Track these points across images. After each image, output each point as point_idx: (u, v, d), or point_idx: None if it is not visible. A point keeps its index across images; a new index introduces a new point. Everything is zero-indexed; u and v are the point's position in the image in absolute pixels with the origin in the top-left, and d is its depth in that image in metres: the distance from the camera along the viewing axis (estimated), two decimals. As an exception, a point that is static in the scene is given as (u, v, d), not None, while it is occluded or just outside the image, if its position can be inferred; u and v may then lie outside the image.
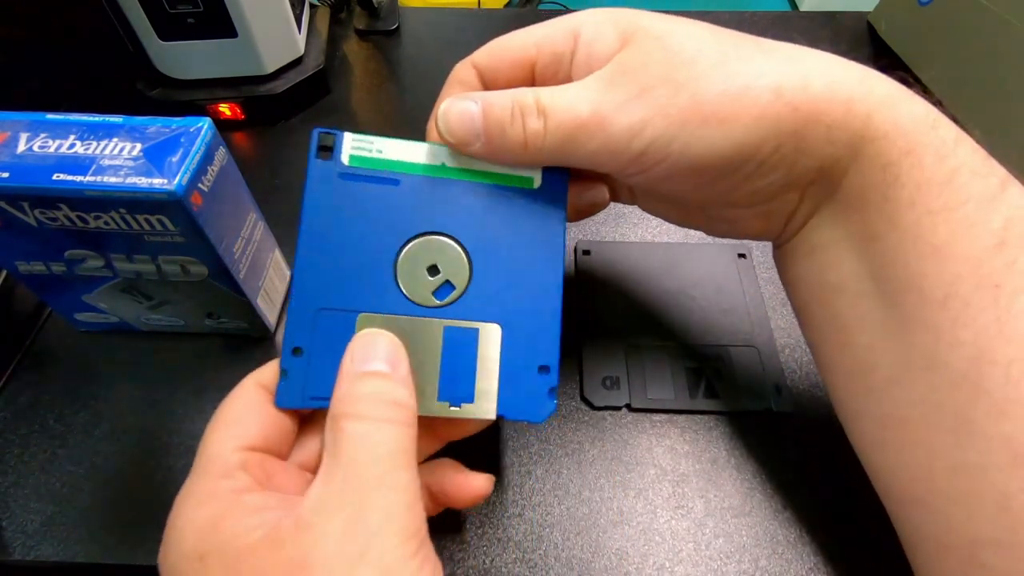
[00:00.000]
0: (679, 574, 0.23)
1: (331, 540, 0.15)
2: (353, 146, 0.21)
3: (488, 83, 0.22)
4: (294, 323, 0.20)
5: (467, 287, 0.21)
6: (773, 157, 0.18)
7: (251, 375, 0.20)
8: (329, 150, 0.21)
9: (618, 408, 0.27)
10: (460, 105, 0.20)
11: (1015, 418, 0.15)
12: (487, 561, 0.23)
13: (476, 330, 0.20)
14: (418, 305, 0.21)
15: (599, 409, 0.27)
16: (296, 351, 0.20)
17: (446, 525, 0.24)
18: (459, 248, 0.21)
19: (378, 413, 0.17)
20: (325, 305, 0.20)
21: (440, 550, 0.23)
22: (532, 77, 0.22)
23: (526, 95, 0.19)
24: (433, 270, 0.21)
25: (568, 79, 0.20)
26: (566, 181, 0.22)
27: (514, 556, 0.23)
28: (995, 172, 0.17)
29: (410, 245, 0.21)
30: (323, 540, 0.15)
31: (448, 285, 0.21)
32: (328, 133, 0.21)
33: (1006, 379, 0.15)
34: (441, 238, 0.21)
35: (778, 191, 0.20)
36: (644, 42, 0.19)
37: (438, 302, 0.21)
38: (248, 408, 0.19)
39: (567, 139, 0.19)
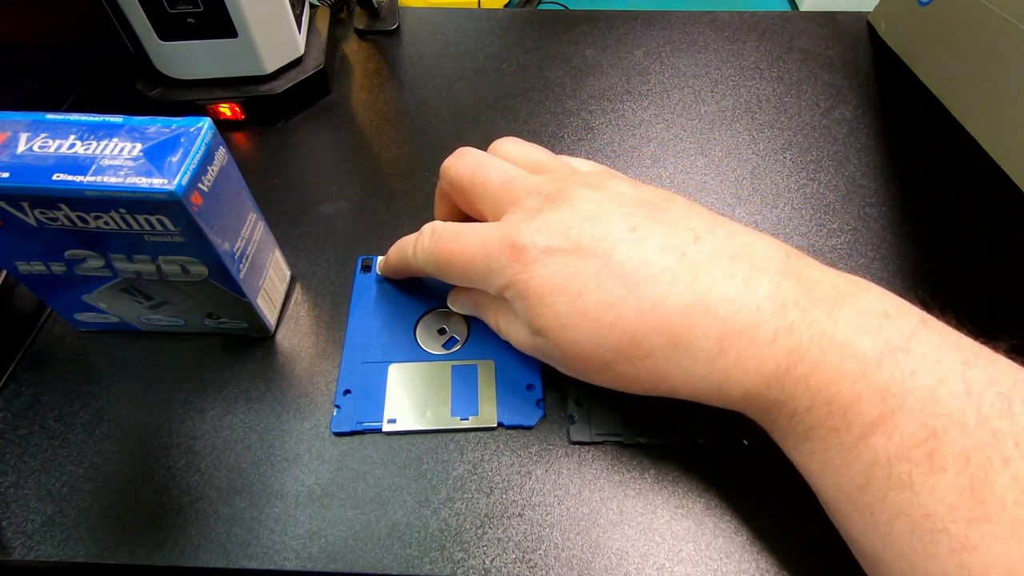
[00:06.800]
0: (679, 574, 0.23)
1: None
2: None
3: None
4: (345, 372, 0.27)
5: (467, 339, 0.29)
6: None
7: None
8: (368, 268, 0.31)
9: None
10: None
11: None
12: (487, 561, 0.23)
13: (476, 366, 0.28)
14: (432, 354, 0.28)
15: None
16: (347, 392, 0.27)
17: (445, 524, 0.24)
18: (461, 315, 0.29)
19: None
20: (367, 360, 0.28)
21: (440, 550, 0.23)
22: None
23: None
24: (442, 331, 0.29)
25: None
26: None
27: (514, 556, 0.23)
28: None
29: (425, 316, 0.29)
30: None
31: (453, 339, 0.29)
32: (367, 258, 0.31)
33: None
34: (446, 310, 0.29)
35: None
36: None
37: (446, 351, 0.28)
38: None
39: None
